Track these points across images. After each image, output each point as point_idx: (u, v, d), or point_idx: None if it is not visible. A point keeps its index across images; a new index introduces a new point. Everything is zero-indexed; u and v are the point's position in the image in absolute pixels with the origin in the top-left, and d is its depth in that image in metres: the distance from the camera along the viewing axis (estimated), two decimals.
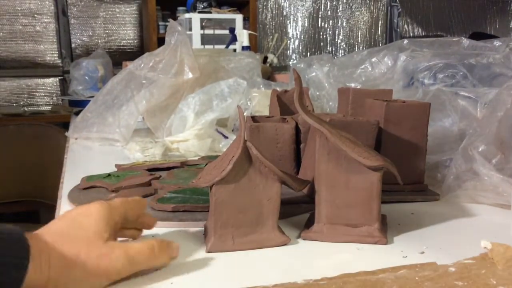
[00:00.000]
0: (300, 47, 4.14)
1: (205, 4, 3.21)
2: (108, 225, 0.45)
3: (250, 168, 0.50)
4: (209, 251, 0.50)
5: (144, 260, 0.45)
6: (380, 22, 4.33)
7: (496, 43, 0.92)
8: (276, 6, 4.05)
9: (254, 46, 2.96)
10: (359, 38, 4.29)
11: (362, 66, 1.03)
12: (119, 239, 0.50)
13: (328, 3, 4.18)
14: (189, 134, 0.99)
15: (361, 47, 4.27)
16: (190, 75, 1.10)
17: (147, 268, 0.46)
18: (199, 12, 3.09)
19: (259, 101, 1.07)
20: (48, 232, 0.43)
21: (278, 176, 0.51)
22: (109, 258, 0.43)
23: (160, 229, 0.57)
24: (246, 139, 0.50)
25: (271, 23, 4.05)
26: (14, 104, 3.35)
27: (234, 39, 2.26)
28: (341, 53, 4.23)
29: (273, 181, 0.51)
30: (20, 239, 0.39)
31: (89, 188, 0.73)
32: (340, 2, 4.21)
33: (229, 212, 0.51)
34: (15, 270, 0.38)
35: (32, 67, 3.42)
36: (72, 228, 0.44)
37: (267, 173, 0.51)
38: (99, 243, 0.43)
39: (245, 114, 1.05)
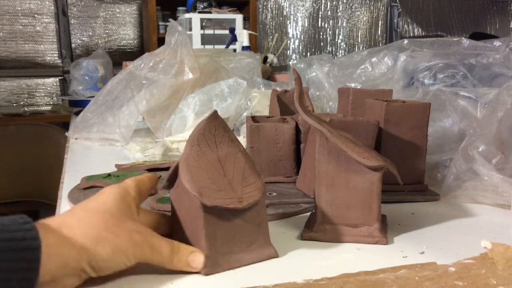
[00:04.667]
0: (300, 47, 4.15)
1: (205, 4, 3.21)
2: (126, 203, 0.45)
3: None
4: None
5: (162, 255, 0.44)
6: (380, 22, 4.33)
7: (496, 43, 0.92)
8: (276, 6, 4.06)
9: (254, 46, 2.96)
10: (359, 38, 4.29)
11: (362, 66, 1.03)
12: None
13: (328, 3, 4.18)
14: (189, 134, 0.99)
15: (361, 47, 4.27)
16: (190, 76, 1.10)
17: (162, 265, 0.45)
18: (199, 12, 3.09)
19: (259, 101, 1.07)
20: (63, 220, 0.42)
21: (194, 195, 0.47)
22: (140, 233, 0.43)
23: None
24: (187, 148, 0.48)
25: (271, 23, 4.05)
26: (14, 104, 3.36)
27: (234, 39, 2.26)
28: (341, 53, 4.23)
29: (193, 197, 0.47)
30: (29, 238, 0.37)
31: (89, 188, 0.73)
32: (340, 2, 4.21)
33: None
34: (26, 272, 0.36)
35: (32, 67, 3.43)
36: (90, 209, 0.44)
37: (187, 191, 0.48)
38: (125, 219, 0.44)
39: (245, 114, 1.05)
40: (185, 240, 0.47)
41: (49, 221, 0.41)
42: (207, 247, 0.46)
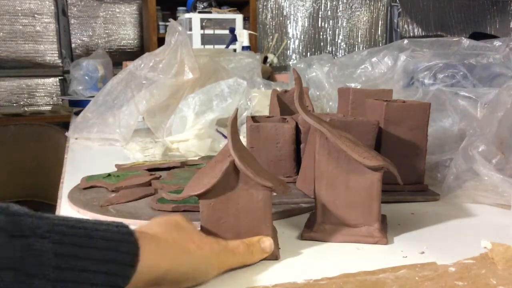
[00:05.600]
0: (300, 47, 4.14)
1: (205, 4, 3.21)
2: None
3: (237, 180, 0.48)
4: None
5: (242, 254, 0.46)
6: (380, 22, 4.32)
7: (496, 43, 0.92)
8: (276, 6, 4.05)
9: (254, 46, 2.96)
10: (359, 38, 4.29)
11: (362, 66, 1.03)
12: None
13: (328, 3, 4.17)
14: (189, 134, 0.99)
15: (361, 47, 4.26)
16: (190, 75, 1.10)
17: (244, 263, 0.47)
18: (199, 12, 3.09)
19: (259, 101, 1.07)
20: (151, 227, 0.44)
21: (266, 187, 0.49)
22: (217, 243, 0.45)
23: None
24: (233, 150, 0.48)
25: (271, 23, 4.04)
26: (14, 104, 3.35)
27: (234, 39, 2.26)
28: (341, 53, 4.22)
29: (261, 190, 0.49)
30: (128, 234, 0.39)
31: (89, 188, 0.73)
32: (340, 2, 4.21)
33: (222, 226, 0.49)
34: (125, 267, 0.37)
35: (32, 67, 3.42)
36: (171, 224, 0.45)
37: (255, 185, 0.49)
38: (202, 235, 0.46)
39: (245, 114, 1.05)
40: (237, 239, 0.49)
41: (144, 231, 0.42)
42: (272, 235, 0.50)
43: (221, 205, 0.49)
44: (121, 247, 0.37)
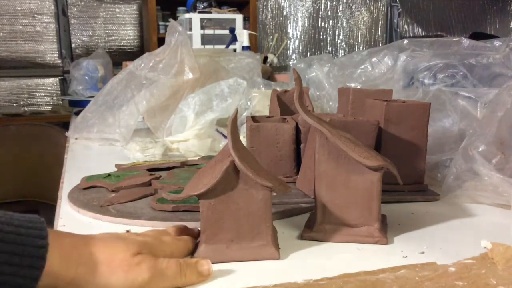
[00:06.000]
0: (300, 47, 4.14)
1: (205, 4, 3.21)
2: (146, 247, 0.45)
3: (238, 180, 0.48)
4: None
5: (172, 276, 0.44)
6: (380, 22, 4.33)
7: (496, 43, 0.92)
8: (276, 6, 4.05)
9: (254, 46, 2.96)
10: (359, 38, 4.29)
11: (362, 66, 1.03)
12: None
13: (328, 3, 4.18)
14: (189, 134, 0.99)
15: (361, 47, 4.27)
16: (191, 75, 1.10)
17: (175, 285, 0.44)
18: (199, 12, 3.09)
19: (259, 101, 1.07)
20: (90, 236, 0.45)
21: (266, 186, 0.49)
22: (137, 269, 0.42)
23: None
24: (233, 150, 0.48)
25: (271, 23, 4.05)
26: (14, 104, 3.35)
27: (234, 39, 2.26)
28: (341, 53, 4.23)
29: (261, 190, 0.49)
30: (40, 236, 0.38)
31: (89, 188, 0.73)
32: (340, 2, 4.21)
33: (221, 224, 0.49)
34: (28, 270, 0.37)
35: (32, 67, 3.43)
36: (112, 236, 0.46)
37: (255, 185, 0.49)
38: (132, 253, 0.43)
39: (245, 114, 1.05)
40: (237, 239, 0.49)
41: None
42: (272, 235, 0.50)
43: (221, 205, 0.48)
44: (25, 251, 0.37)
